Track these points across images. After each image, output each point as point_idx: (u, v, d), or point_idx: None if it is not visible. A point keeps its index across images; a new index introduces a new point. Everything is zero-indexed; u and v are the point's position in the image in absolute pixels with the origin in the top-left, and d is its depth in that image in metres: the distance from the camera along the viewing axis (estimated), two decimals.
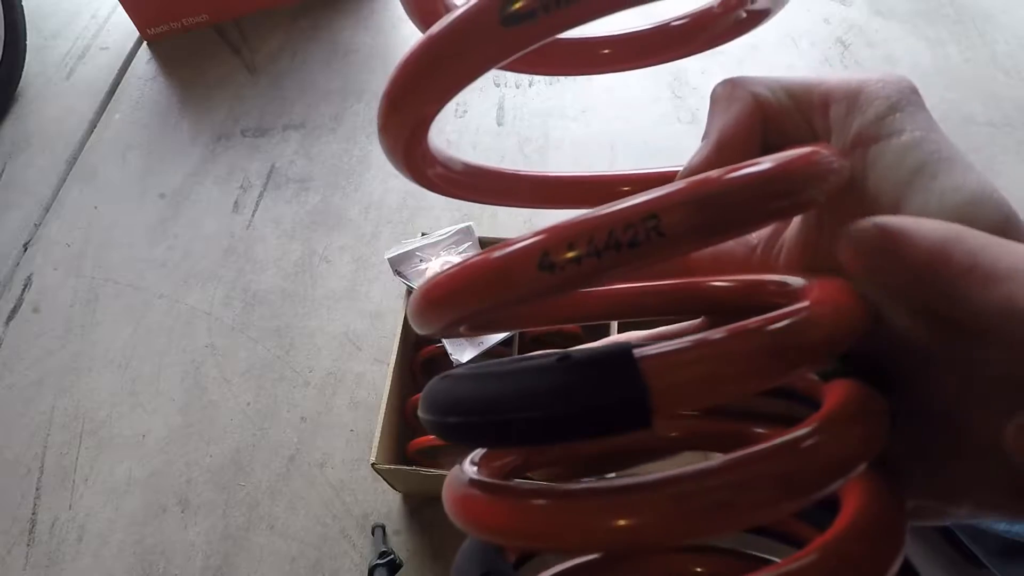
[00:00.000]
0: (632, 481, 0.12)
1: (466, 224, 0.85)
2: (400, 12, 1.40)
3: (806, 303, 0.13)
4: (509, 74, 1.26)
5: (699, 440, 0.19)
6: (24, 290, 1.06)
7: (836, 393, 0.14)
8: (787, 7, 0.20)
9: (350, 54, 1.33)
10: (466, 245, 0.84)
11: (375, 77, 1.29)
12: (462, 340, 0.75)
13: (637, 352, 0.12)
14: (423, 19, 0.19)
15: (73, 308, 1.03)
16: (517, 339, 0.76)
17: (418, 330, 0.17)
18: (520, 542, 0.14)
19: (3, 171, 1.22)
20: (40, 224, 1.14)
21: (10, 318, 1.03)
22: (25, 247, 1.11)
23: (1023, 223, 0.13)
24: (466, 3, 0.14)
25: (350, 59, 1.32)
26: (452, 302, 0.15)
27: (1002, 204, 0.13)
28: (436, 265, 0.79)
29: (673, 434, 0.19)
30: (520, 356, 0.14)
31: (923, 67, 1.18)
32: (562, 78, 1.25)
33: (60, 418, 0.92)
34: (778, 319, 0.13)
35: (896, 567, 0.12)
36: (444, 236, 0.84)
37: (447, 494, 0.15)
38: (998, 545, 0.62)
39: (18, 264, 1.09)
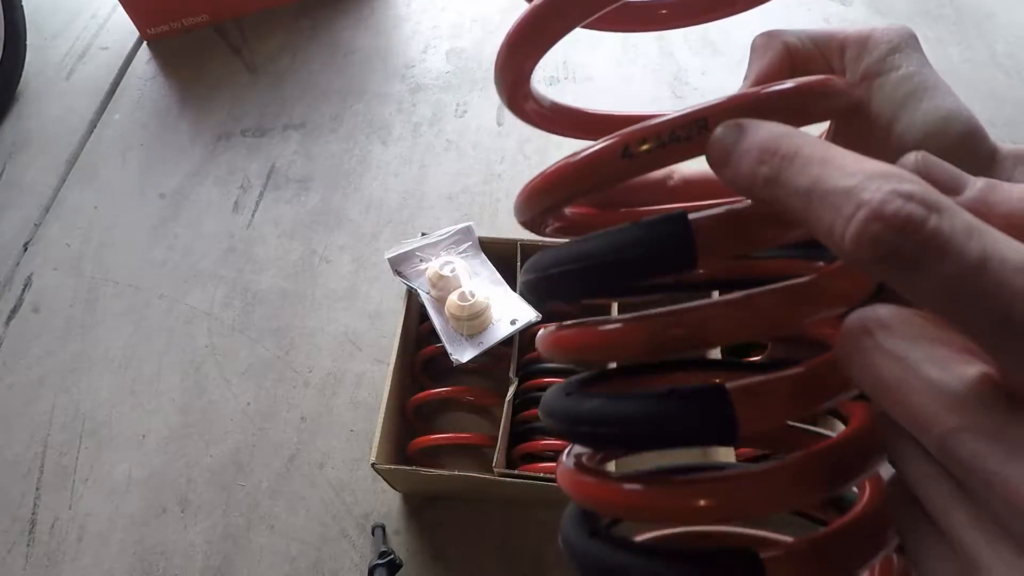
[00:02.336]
0: (698, 477, 0.18)
1: (466, 224, 0.85)
2: (400, 12, 1.41)
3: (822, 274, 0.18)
4: None
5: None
6: (24, 290, 1.06)
7: (859, 416, 0.19)
8: (786, 7, 0.22)
9: (350, 54, 1.33)
10: (466, 245, 0.84)
11: (375, 77, 1.29)
12: (462, 340, 0.75)
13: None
14: None
15: (73, 308, 1.03)
16: (517, 339, 0.76)
17: (523, 217, 0.22)
18: (617, 513, 0.20)
19: (3, 171, 1.22)
20: (40, 224, 1.14)
21: (10, 318, 1.03)
22: (25, 247, 1.11)
23: (987, 135, 0.17)
24: None
25: (350, 59, 1.32)
26: (556, 185, 0.20)
27: (970, 120, 0.17)
28: (436, 265, 0.79)
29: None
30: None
31: None
32: (562, 79, 1.25)
33: (60, 418, 0.92)
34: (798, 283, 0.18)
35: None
36: (444, 236, 0.84)
37: (563, 478, 0.21)
38: None
39: (18, 264, 1.09)
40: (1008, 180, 0.15)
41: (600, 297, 0.23)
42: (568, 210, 0.25)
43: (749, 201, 0.17)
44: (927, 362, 0.12)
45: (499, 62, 0.21)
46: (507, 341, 0.75)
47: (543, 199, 0.21)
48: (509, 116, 1.25)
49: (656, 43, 1.29)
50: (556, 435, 0.21)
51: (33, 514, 0.85)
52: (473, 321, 0.74)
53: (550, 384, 0.80)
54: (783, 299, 0.17)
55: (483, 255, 0.83)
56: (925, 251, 0.11)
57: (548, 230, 0.24)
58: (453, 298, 0.75)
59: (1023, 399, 0.11)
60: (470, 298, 0.74)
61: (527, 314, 0.76)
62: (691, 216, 0.17)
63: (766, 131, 0.14)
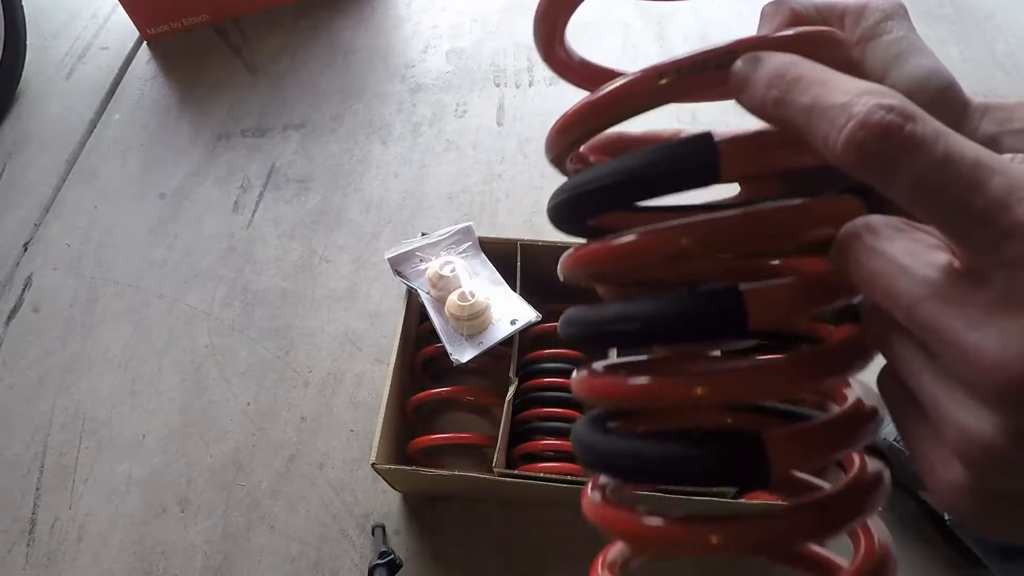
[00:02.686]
0: (698, 368, 0.20)
1: (466, 224, 0.85)
2: (400, 12, 1.41)
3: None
4: (509, 74, 1.26)
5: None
6: (24, 290, 1.06)
7: (843, 331, 0.21)
8: None
9: (350, 54, 1.33)
10: (466, 245, 0.84)
11: (375, 77, 1.29)
12: (462, 340, 0.75)
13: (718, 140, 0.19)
14: None
15: (73, 308, 1.03)
16: (517, 339, 0.76)
17: (554, 150, 0.24)
18: (625, 402, 0.22)
19: (3, 171, 1.22)
20: (40, 224, 1.14)
21: (10, 318, 1.03)
22: (25, 247, 1.11)
23: (962, 90, 0.20)
24: None
25: (350, 59, 1.32)
26: (594, 113, 0.21)
27: (948, 77, 0.20)
28: (436, 265, 0.79)
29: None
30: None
31: None
32: (561, 79, 1.25)
33: (60, 418, 0.92)
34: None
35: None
36: (444, 236, 0.84)
37: (577, 384, 0.23)
38: (998, 545, 0.62)
39: (18, 264, 1.09)
40: (975, 128, 0.20)
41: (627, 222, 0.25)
42: (592, 157, 0.27)
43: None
44: (901, 252, 0.15)
45: (539, 12, 0.23)
46: (507, 341, 0.75)
47: (579, 127, 0.22)
48: (509, 116, 1.25)
49: (656, 44, 1.29)
50: (578, 343, 0.23)
51: (33, 514, 0.85)
52: (473, 321, 0.74)
53: (550, 384, 0.80)
54: (788, 212, 0.20)
55: (483, 255, 0.83)
56: (900, 152, 0.13)
57: (572, 168, 0.25)
58: (453, 298, 0.75)
59: (978, 275, 0.14)
60: (470, 298, 0.74)
61: (527, 314, 0.76)
62: (716, 137, 0.19)
63: (776, 60, 0.17)
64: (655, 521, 0.20)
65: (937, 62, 0.20)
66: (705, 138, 0.19)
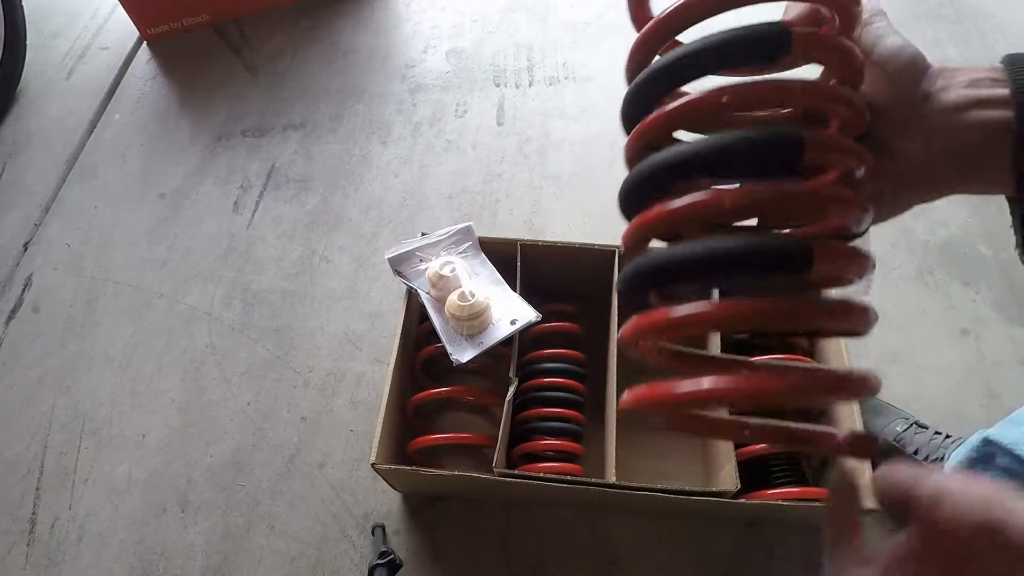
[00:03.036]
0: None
1: (466, 224, 0.85)
2: (400, 12, 1.41)
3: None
4: (509, 74, 1.26)
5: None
6: (24, 290, 1.06)
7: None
8: None
9: (350, 54, 1.33)
10: (466, 245, 0.84)
11: (375, 77, 1.29)
12: (462, 340, 0.75)
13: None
14: None
15: (73, 308, 1.03)
16: (517, 339, 0.76)
17: (635, 65, 0.28)
18: (666, 222, 0.26)
19: (3, 171, 1.22)
20: (40, 224, 1.14)
21: (10, 318, 1.03)
22: (25, 247, 1.11)
23: (925, 58, 0.28)
24: None
25: (350, 59, 1.32)
26: (675, 18, 0.27)
27: (915, 49, 0.28)
28: (436, 265, 0.79)
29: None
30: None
31: None
32: (562, 79, 1.25)
33: (60, 418, 0.92)
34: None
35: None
36: (444, 236, 0.84)
37: (624, 235, 0.28)
38: None
39: (18, 264, 1.09)
40: (931, 86, 0.27)
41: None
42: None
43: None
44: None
45: None
46: (507, 341, 0.75)
47: (656, 38, 0.27)
48: (509, 116, 1.25)
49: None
50: (662, 171, 0.26)
51: (33, 514, 0.85)
52: (473, 321, 0.74)
53: (550, 384, 0.80)
54: (800, 82, 0.26)
55: (483, 255, 0.83)
56: None
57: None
58: (453, 298, 0.75)
59: None
60: (470, 298, 0.74)
61: (527, 314, 0.76)
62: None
63: (901, 470, 0.23)
64: (686, 308, 0.25)
65: (907, 40, 0.28)
66: (776, 22, 0.25)
